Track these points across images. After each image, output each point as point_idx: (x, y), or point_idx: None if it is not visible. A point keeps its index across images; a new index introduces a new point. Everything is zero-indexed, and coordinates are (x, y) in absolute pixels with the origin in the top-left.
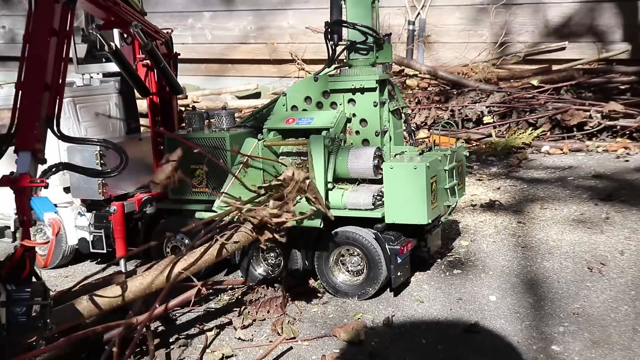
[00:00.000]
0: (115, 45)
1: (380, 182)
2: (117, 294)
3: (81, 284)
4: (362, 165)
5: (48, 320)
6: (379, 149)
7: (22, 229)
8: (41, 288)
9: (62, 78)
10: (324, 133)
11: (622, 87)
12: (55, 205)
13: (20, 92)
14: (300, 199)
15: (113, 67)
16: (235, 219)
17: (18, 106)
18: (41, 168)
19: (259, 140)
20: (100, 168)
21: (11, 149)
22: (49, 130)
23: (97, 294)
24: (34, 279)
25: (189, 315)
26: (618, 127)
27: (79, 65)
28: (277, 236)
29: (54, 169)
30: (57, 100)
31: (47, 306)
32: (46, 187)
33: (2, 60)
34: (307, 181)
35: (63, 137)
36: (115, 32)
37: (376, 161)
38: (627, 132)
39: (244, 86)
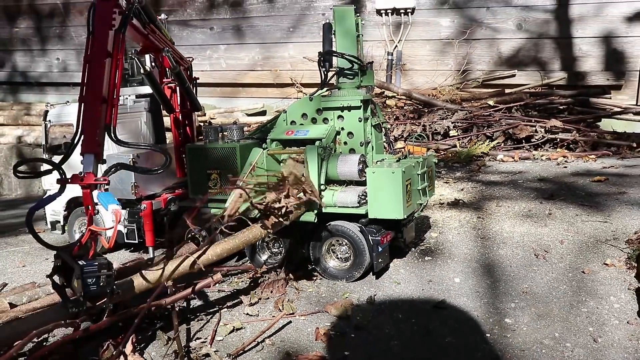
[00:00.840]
0: (149, 68)
1: (364, 184)
2: (166, 272)
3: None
4: (349, 169)
5: (114, 287)
6: (363, 156)
7: (88, 218)
8: (106, 263)
9: (116, 93)
10: (317, 143)
11: (561, 107)
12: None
13: (82, 104)
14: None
15: (144, 90)
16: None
17: (81, 117)
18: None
19: (263, 149)
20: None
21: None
22: (106, 136)
23: (150, 270)
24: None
25: (206, 294)
26: (558, 139)
27: None
28: (281, 219)
29: (113, 169)
30: (113, 112)
31: (112, 277)
32: (108, 184)
33: (56, 85)
34: (304, 176)
35: (119, 142)
36: (147, 57)
37: (360, 166)
38: (565, 144)
39: (252, 105)
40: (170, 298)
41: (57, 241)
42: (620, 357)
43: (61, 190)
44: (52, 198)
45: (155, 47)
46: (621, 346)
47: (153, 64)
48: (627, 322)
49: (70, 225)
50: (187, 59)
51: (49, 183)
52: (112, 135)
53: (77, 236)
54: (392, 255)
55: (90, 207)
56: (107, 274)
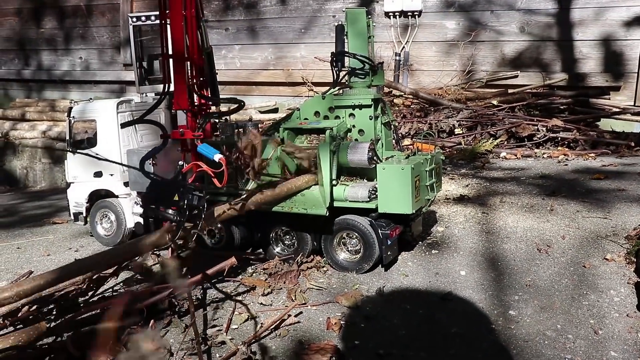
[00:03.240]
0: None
1: (374, 174)
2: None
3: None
4: (359, 156)
5: (205, 205)
6: (372, 144)
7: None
8: (201, 189)
9: (197, 52)
10: (327, 132)
11: (562, 107)
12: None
13: (167, 61)
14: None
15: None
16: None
17: (171, 76)
18: None
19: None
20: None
21: None
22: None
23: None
24: None
25: (221, 285)
26: (559, 138)
27: (140, 86)
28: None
29: (204, 121)
30: (196, 70)
31: (204, 198)
32: (205, 135)
33: (78, 83)
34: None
35: (206, 98)
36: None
37: (370, 153)
38: (566, 142)
39: (265, 103)
40: (187, 282)
41: (80, 232)
42: (620, 348)
43: (164, 143)
44: (157, 150)
45: (199, 15)
46: (621, 338)
47: None
48: (627, 315)
49: (92, 217)
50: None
51: (72, 176)
52: (198, 92)
53: (98, 227)
54: (400, 249)
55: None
56: (200, 195)
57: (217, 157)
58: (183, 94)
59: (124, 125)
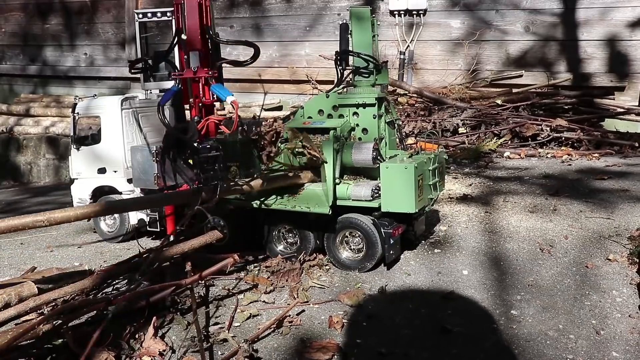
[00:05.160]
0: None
1: (377, 174)
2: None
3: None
4: (364, 156)
5: (222, 165)
6: (376, 143)
7: (195, 107)
8: (216, 144)
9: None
10: (332, 132)
11: (566, 107)
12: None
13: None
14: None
15: (167, 84)
16: None
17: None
18: None
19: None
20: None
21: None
22: None
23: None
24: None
25: (223, 283)
26: (563, 138)
27: (145, 82)
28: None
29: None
30: (209, 13)
31: (220, 156)
32: (219, 74)
33: (83, 79)
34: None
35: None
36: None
37: (374, 153)
38: (570, 142)
39: (270, 101)
40: (189, 279)
41: (83, 228)
42: (621, 349)
43: (176, 84)
44: (171, 92)
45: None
46: (623, 338)
47: None
48: (629, 316)
49: None
50: None
51: (76, 172)
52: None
53: (102, 223)
54: (403, 248)
55: (205, 97)
56: (216, 154)
57: (230, 99)
58: (196, 35)
59: (132, 66)
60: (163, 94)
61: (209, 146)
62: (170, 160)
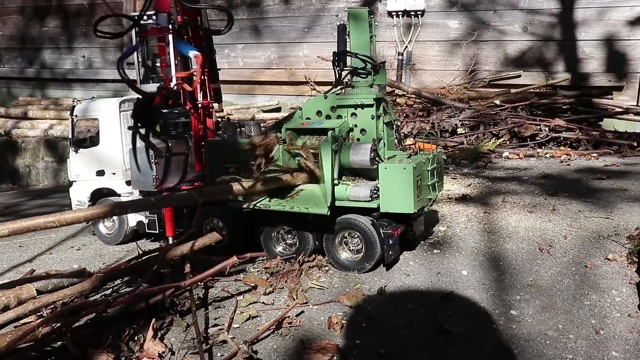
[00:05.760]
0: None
1: (375, 175)
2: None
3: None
4: (362, 157)
5: (190, 134)
6: (374, 144)
7: (163, 67)
8: (184, 110)
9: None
10: (330, 132)
11: (565, 107)
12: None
13: None
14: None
15: None
16: None
17: None
18: None
19: (278, 139)
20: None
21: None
22: None
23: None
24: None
25: (222, 284)
26: (561, 138)
27: (141, 84)
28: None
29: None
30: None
31: (189, 124)
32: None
33: (81, 81)
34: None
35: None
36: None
37: (372, 154)
38: (568, 142)
39: (268, 102)
40: (189, 281)
41: (81, 231)
42: (621, 349)
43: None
44: (135, 48)
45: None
46: (622, 338)
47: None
48: (629, 315)
49: None
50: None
51: (75, 174)
52: None
53: (100, 226)
54: (402, 248)
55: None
56: (184, 121)
57: (193, 54)
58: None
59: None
60: (133, 45)
61: (177, 111)
62: (140, 136)
